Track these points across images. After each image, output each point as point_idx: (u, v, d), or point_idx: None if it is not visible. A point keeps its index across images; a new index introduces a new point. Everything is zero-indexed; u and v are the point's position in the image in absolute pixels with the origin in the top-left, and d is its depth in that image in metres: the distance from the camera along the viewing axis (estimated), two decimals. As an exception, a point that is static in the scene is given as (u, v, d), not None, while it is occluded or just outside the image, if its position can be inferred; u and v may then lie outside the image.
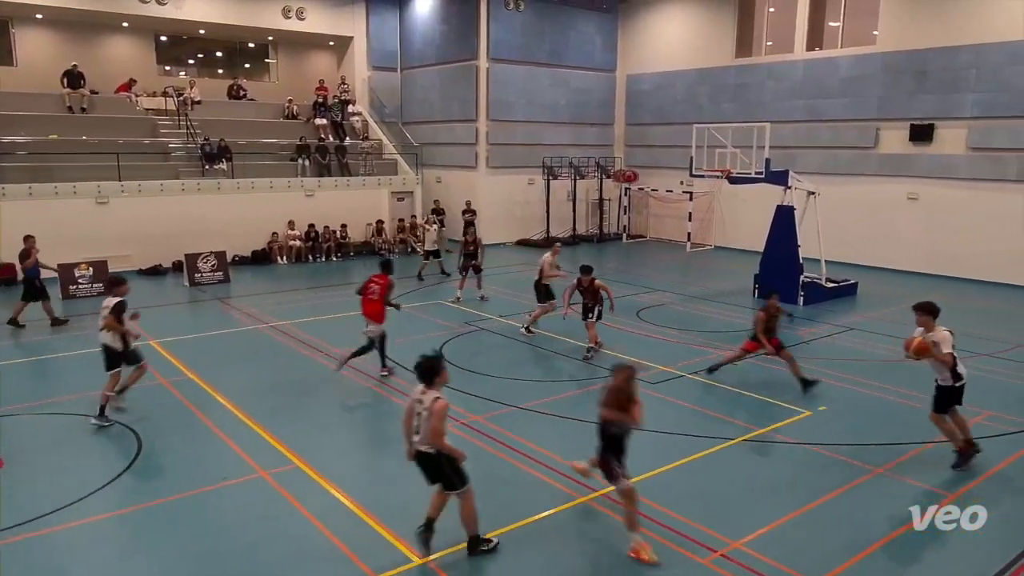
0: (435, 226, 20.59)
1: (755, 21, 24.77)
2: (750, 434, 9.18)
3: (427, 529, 6.49)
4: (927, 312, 8.01)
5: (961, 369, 8.08)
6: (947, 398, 8.14)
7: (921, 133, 20.26)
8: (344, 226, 23.22)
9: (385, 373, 11.32)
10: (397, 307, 11.87)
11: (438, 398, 6.33)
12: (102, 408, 9.35)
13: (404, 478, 8.09)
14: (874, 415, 9.99)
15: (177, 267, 20.14)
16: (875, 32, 21.33)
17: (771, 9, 24.31)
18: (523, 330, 13.82)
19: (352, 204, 23.85)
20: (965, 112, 19.48)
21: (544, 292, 13.90)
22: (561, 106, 27.26)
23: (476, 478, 8.07)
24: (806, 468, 8.40)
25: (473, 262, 16.70)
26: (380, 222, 24.01)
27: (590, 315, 12.43)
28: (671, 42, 26.77)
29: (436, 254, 19.78)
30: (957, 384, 8.08)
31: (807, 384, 10.60)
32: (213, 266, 19.22)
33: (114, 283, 9.64)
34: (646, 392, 10.72)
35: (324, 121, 25.84)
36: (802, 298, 16.52)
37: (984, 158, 19.33)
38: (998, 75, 18.82)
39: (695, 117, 23.81)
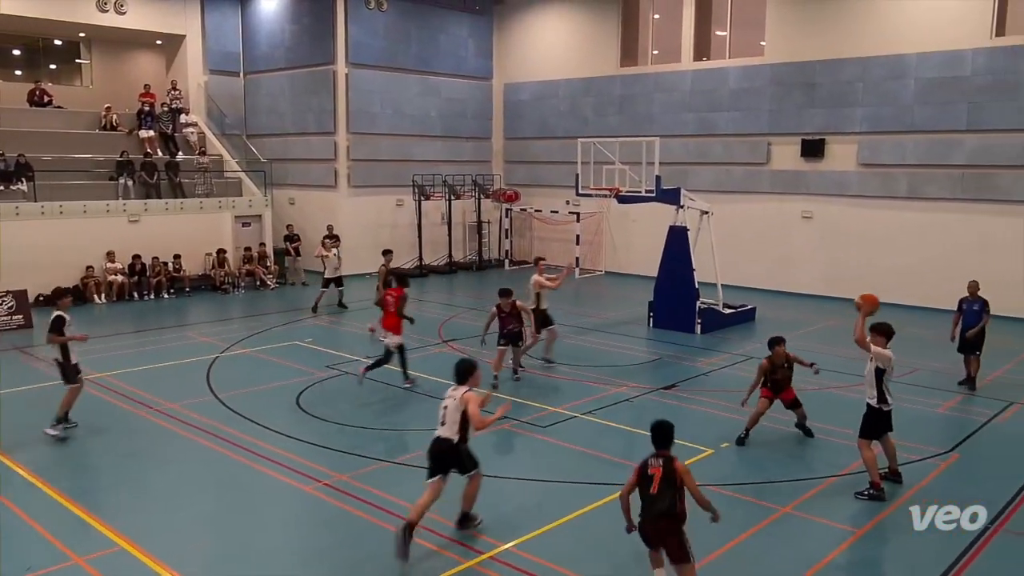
0: (335, 251, 20.52)
1: (640, 29, 26.04)
2: (650, 478, 9.42)
3: (464, 520, 8.05)
4: (880, 333, 8.97)
5: (888, 394, 8.91)
6: (872, 421, 8.92)
7: (812, 148, 21.88)
8: (177, 257, 22.21)
9: (408, 385, 12.95)
10: (411, 320, 13.45)
11: (468, 390, 7.70)
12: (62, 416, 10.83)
13: (256, 556, 7.76)
14: (777, 449, 10.53)
15: (-37, 311, 18.55)
16: (762, 43, 22.94)
17: (656, 16, 25.64)
18: (543, 361, 14.65)
19: (187, 231, 22.87)
20: (854, 127, 21.23)
21: (542, 319, 14.30)
22: (432, 117, 27.45)
23: (342, 547, 7.88)
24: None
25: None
26: (222, 252, 23.13)
27: (520, 341, 13.38)
28: (551, 49, 27.64)
29: (339, 282, 20.10)
30: (884, 408, 8.88)
31: (806, 433, 10.89)
32: (11, 308, 17.90)
33: (56, 296, 11.45)
34: (536, 436, 10.86)
35: (151, 133, 24.74)
36: (699, 326, 17.29)
37: (874, 174, 21.10)
38: (882, 88, 20.67)
39: (580, 131, 24.62)
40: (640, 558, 7.66)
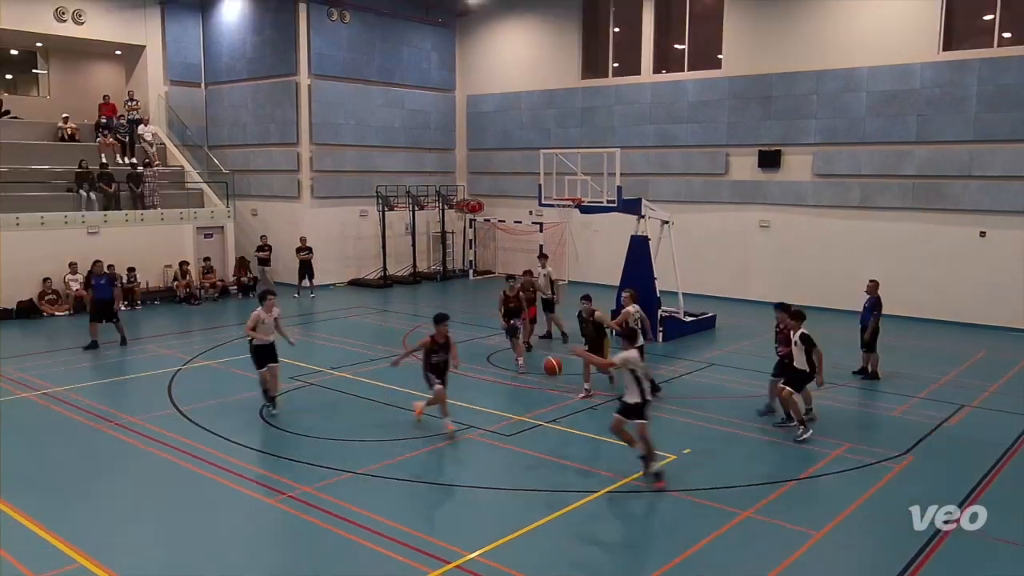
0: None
1: (601, 41, 26.27)
2: (613, 485, 9.48)
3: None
4: (795, 318, 10.85)
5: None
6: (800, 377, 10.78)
7: (769, 159, 22.23)
8: (132, 270, 21.71)
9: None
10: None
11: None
12: None
13: (221, 570, 7.64)
14: (738, 454, 10.65)
15: (-85, 325, 18.03)
16: (720, 56, 23.28)
17: (616, 29, 25.89)
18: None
19: (148, 242, 22.50)
20: (809, 138, 21.62)
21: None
22: (395, 129, 27.39)
23: (308, 559, 7.79)
24: (674, 517, 8.78)
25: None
26: (184, 263, 22.78)
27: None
28: (514, 61, 27.76)
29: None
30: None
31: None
32: (-35, 322, 17.40)
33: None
34: (501, 445, 10.85)
35: (111, 143, 24.36)
36: (661, 334, 17.41)
37: (828, 184, 21.49)
38: (836, 102, 21.09)
39: (542, 142, 24.75)
40: (605, 562, 7.70)
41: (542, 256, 18.42)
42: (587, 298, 13.47)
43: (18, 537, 8.11)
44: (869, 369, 14.26)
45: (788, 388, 10.84)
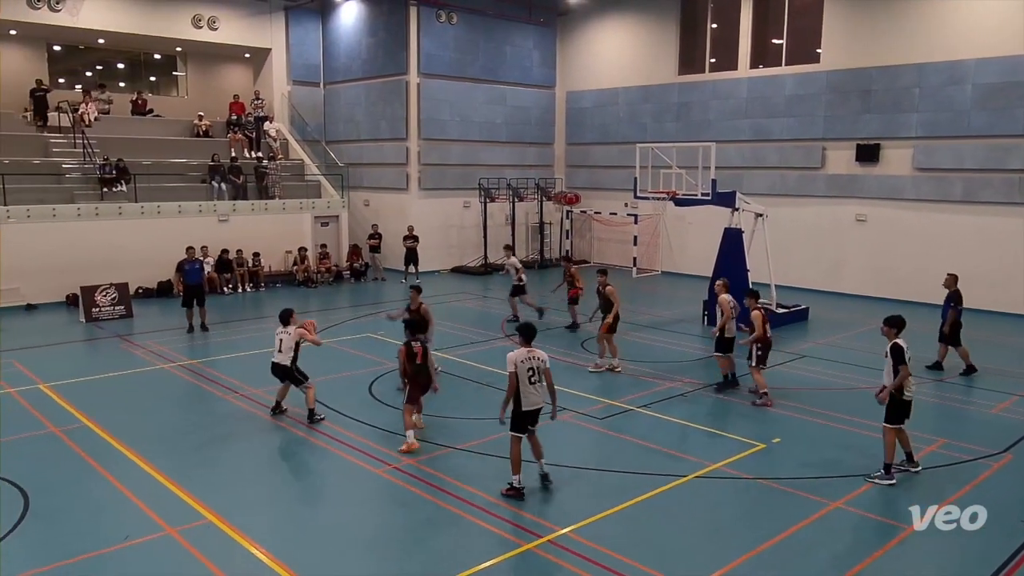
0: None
1: (698, 37, 25.67)
2: (702, 470, 9.33)
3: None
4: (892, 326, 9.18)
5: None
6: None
7: (867, 153, 21.24)
8: (256, 255, 22.70)
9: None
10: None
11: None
12: None
13: (331, 532, 7.93)
14: (828, 446, 10.28)
15: (72, 301, 19.39)
16: (819, 50, 22.37)
17: (714, 25, 25.23)
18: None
19: (271, 230, 23.47)
20: (910, 132, 20.53)
21: (727, 344, 12.59)
22: (498, 124, 27.57)
23: (410, 526, 8.01)
24: (761, 505, 8.57)
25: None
26: (303, 250, 23.66)
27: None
28: (612, 58, 27.47)
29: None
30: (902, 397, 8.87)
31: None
32: (113, 299, 18.60)
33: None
34: (594, 428, 10.84)
35: (240, 139, 25.47)
36: (753, 325, 16.95)
37: (929, 179, 20.37)
38: (939, 94, 19.94)
39: (638, 136, 24.43)
40: (690, 546, 7.61)
41: (507, 248, 19.90)
42: (603, 272, 14.28)
43: (156, 493, 8.65)
44: (956, 363, 13.48)
45: (888, 425, 8.92)
